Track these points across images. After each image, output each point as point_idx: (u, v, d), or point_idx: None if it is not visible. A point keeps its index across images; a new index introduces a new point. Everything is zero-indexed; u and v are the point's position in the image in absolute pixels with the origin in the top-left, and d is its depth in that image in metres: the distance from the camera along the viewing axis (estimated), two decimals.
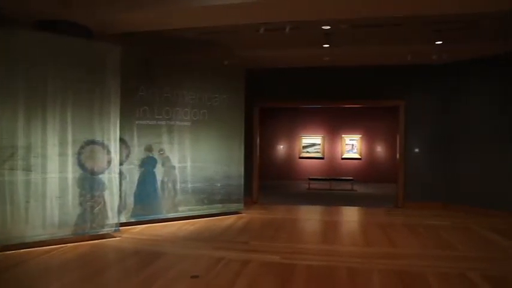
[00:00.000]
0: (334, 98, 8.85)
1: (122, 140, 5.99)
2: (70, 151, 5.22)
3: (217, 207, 7.24)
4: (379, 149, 13.71)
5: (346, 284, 3.98)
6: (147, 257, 4.76)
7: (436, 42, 6.46)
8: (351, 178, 12.22)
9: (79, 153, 5.30)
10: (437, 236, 6.01)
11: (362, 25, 5.97)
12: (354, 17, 5.54)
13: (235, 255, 4.85)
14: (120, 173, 5.94)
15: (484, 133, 7.65)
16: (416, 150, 8.49)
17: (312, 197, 10.31)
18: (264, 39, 6.69)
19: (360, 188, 11.98)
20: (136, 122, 6.38)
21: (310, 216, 7.85)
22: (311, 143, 14.01)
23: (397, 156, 8.73)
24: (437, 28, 5.98)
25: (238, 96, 7.52)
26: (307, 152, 14.02)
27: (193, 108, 7.00)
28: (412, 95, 8.46)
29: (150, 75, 6.50)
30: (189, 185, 6.95)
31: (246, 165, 7.75)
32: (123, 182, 6.16)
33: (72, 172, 5.24)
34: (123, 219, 6.09)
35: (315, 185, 12.14)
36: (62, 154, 5.16)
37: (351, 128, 13.83)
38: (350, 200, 9.89)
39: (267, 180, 12.57)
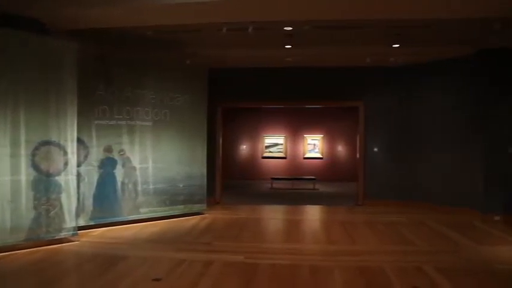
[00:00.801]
0: (296, 98, 8.99)
1: (79, 141, 5.78)
2: (23, 152, 4.96)
3: (179, 208, 7.15)
4: (340, 149, 14.03)
5: (309, 282, 4.04)
6: (107, 261, 4.62)
7: (394, 46, 6.69)
8: (313, 177, 12.42)
9: (33, 155, 5.04)
10: (396, 232, 6.22)
11: (323, 27, 6.08)
12: (315, 18, 5.63)
13: (198, 257, 4.80)
14: (78, 175, 5.73)
15: (438, 133, 8.01)
16: (376, 149, 8.76)
17: (274, 197, 10.39)
18: (226, 39, 6.66)
19: (322, 187, 12.20)
20: (95, 122, 6.17)
21: (273, 216, 7.92)
22: (274, 142, 14.13)
23: (357, 155, 8.98)
24: (395, 32, 6.20)
25: (200, 96, 7.46)
26: (270, 151, 14.12)
27: (155, 108, 6.87)
28: (371, 96, 8.72)
29: (109, 74, 6.31)
30: (151, 186, 6.81)
31: (208, 165, 7.70)
32: (81, 184, 5.94)
33: (25, 174, 4.97)
34: (82, 223, 5.88)
35: (277, 184, 12.24)
36: (14, 155, 4.88)
37: (312, 128, 14.07)
38: (312, 198, 10.06)
39: (230, 180, 12.53)
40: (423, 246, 5.46)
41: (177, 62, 7.42)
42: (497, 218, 7.04)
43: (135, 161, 6.62)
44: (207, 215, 7.43)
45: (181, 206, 7.18)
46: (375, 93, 8.73)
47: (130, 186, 6.56)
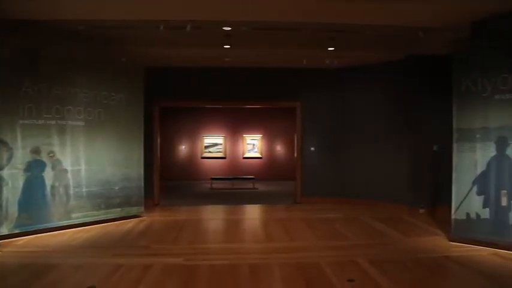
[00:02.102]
0: (235, 98, 9.02)
1: (1, 142, 5.35)
2: None
3: (115, 212, 6.88)
4: (279, 148, 14.31)
5: (249, 281, 4.08)
6: (35, 271, 4.29)
7: (329, 49, 6.95)
8: (252, 177, 12.54)
9: None
10: (331, 228, 6.48)
11: (261, 28, 6.16)
12: (253, 19, 5.69)
13: (136, 261, 4.65)
14: (1, 179, 5.30)
15: (371, 133, 8.47)
16: (312, 149, 9.05)
17: (214, 197, 10.35)
18: (164, 37, 6.52)
19: (261, 186, 12.36)
20: (20, 122, 5.73)
21: (213, 216, 7.89)
22: (213, 142, 14.07)
23: (295, 154, 9.22)
24: (330, 35, 6.44)
25: (137, 95, 7.23)
26: (209, 151, 14.05)
27: (88, 107, 6.54)
28: (308, 97, 8.99)
29: (36, 69, 5.90)
30: (84, 189, 6.48)
31: (146, 166, 7.49)
32: (4, 189, 5.50)
33: None
34: (5, 231, 5.45)
35: (217, 184, 12.21)
36: None
37: (252, 127, 14.21)
38: (252, 198, 10.15)
39: (169, 181, 12.29)
40: (357, 241, 5.74)
41: (112, 59, 7.11)
42: (422, 211, 7.61)
43: (67, 163, 6.26)
44: (145, 217, 7.22)
45: (118, 209, 6.91)
46: (311, 94, 9.01)
47: (61, 189, 6.19)
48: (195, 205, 8.89)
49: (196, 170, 14.00)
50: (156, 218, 7.29)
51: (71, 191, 6.31)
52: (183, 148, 14.05)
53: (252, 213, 8.36)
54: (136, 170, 7.22)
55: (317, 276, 4.18)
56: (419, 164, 7.71)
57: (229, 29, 6.14)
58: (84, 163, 6.48)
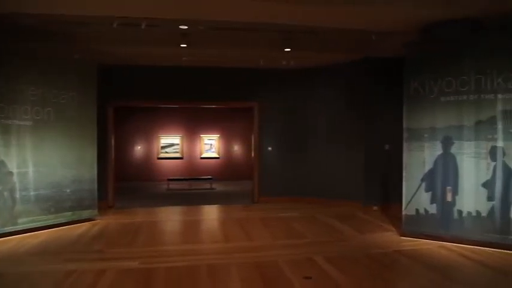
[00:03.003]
0: (192, 98, 8.91)
1: None
2: None
3: (66, 216, 6.59)
4: (237, 148, 14.32)
5: (207, 282, 4.04)
6: None
7: (285, 50, 7.04)
8: (210, 177, 12.47)
9: None
10: (289, 227, 6.57)
11: (219, 27, 6.14)
12: (209, 19, 5.66)
13: (89, 266, 4.48)
14: None
15: (327, 132, 8.68)
16: (269, 148, 9.13)
17: (171, 198, 10.19)
18: (118, 35, 6.33)
19: (219, 187, 12.31)
20: None
21: (170, 217, 7.75)
22: (170, 143, 13.85)
23: (253, 154, 9.26)
24: (287, 36, 6.53)
25: (89, 94, 6.96)
26: (166, 152, 13.81)
27: (36, 106, 6.22)
28: (266, 97, 9.06)
29: None
30: (32, 193, 6.15)
31: (99, 167, 7.24)
32: None
33: None
34: None
35: (174, 185, 12.03)
36: None
37: (209, 127, 14.12)
38: (209, 198, 10.09)
39: (124, 182, 11.96)
40: (313, 238, 5.85)
41: (63, 55, 6.77)
42: (375, 208, 7.89)
43: (12, 165, 5.91)
44: (98, 220, 6.97)
45: (69, 213, 6.63)
46: (269, 94, 9.08)
47: (5, 194, 5.83)
48: (151, 207, 8.71)
49: (152, 170, 13.71)
50: (110, 221, 7.07)
51: (17, 195, 5.97)
52: (138, 148, 13.71)
53: (210, 213, 8.30)
54: (89, 171, 6.95)
55: (275, 275, 4.22)
56: (372, 163, 8.00)
57: (186, 27, 6.06)
58: (32, 165, 6.15)
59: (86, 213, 6.89)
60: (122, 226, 6.65)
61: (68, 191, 6.61)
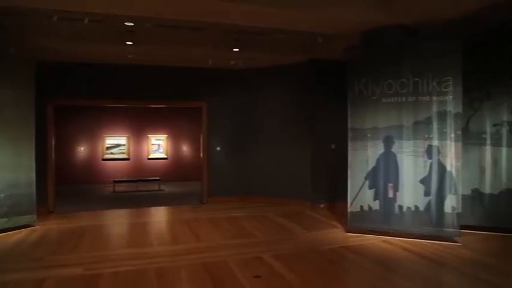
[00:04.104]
0: (139, 97, 8.66)
1: None
2: None
3: (1, 222, 6.15)
4: (185, 149, 14.12)
5: (155, 285, 3.95)
6: None
7: (234, 50, 7.05)
8: (157, 178, 12.20)
9: None
10: (238, 226, 6.59)
11: (166, 25, 6.02)
12: (156, 16, 5.53)
13: (27, 276, 4.22)
14: None
15: (276, 132, 8.79)
16: (218, 148, 9.10)
17: (117, 200, 9.84)
18: (59, 29, 6.01)
19: (167, 188, 12.08)
20: None
21: (116, 221, 7.49)
22: (115, 143, 13.37)
23: (201, 154, 9.18)
24: (235, 37, 6.55)
25: (27, 91, 6.52)
26: (112, 153, 13.32)
27: None
28: (214, 97, 9.02)
29: None
30: None
31: (38, 170, 6.82)
32: None
33: None
34: None
35: (120, 187, 11.64)
36: None
37: (157, 128, 13.80)
38: (157, 200, 9.87)
39: (66, 185, 11.39)
40: (262, 237, 5.91)
41: None
42: (322, 206, 8.12)
43: None
44: (37, 226, 6.58)
45: (4, 220, 6.18)
46: (218, 94, 9.05)
47: None
48: (96, 210, 8.35)
49: (97, 172, 13.17)
50: (51, 226, 6.70)
51: None
52: (82, 150, 13.11)
53: (158, 215, 8.12)
54: (26, 174, 6.53)
55: (224, 275, 4.22)
56: (319, 162, 8.22)
57: (132, 24, 5.90)
58: None
59: (23, 220, 6.46)
60: (64, 231, 6.33)
61: (2, 196, 6.17)
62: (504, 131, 5.90)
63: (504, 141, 5.90)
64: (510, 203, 5.86)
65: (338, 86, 7.25)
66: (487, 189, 6.00)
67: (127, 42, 6.44)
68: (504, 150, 5.90)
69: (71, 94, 8.15)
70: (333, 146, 8.18)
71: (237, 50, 7.04)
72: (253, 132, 9.06)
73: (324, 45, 6.75)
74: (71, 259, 4.86)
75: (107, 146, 13.28)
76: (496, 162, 5.95)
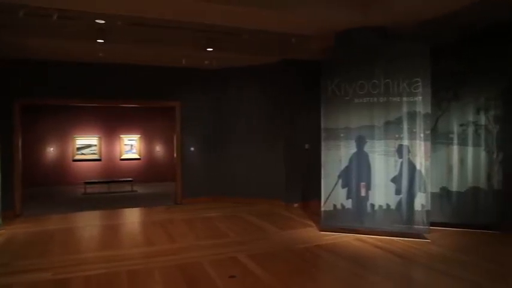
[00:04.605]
0: (111, 96, 8.47)
1: None
2: None
3: None
4: (159, 149, 13.93)
5: None
6: None
7: (208, 49, 7.01)
8: (130, 179, 11.99)
9: None
10: (212, 227, 6.55)
11: (139, 24, 5.93)
12: (127, 14, 5.43)
13: None
14: None
15: (250, 132, 8.80)
16: (192, 149, 9.03)
17: (89, 202, 9.61)
18: (26, 25, 5.81)
19: (140, 189, 11.89)
20: None
21: (87, 223, 7.30)
22: (86, 144, 13.04)
23: (175, 155, 9.08)
24: (209, 36, 6.51)
25: None
26: (82, 153, 12.99)
27: None
28: (188, 96, 8.94)
29: None
30: None
31: (4, 172, 6.59)
32: None
33: None
34: None
35: (92, 188, 11.36)
36: None
37: (129, 127, 13.56)
38: (130, 201, 9.70)
39: (34, 187, 11.04)
40: (236, 237, 5.91)
41: None
42: (296, 205, 8.19)
43: None
44: (3, 231, 6.35)
45: None
46: (191, 94, 8.98)
47: None
48: (66, 213, 8.12)
49: (67, 174, 12.80)
50: (17, 230, 6.47)
51: None
52: (51, 150, 12.72)
53: (131, 216, 7.98)
54: None
55: (199, 276, 4.19)
56: (293, 162, 8.28)
57: (103, 22, 5.77)
58: None
59: None
60: (32, 235, 6.13)
61: None
62: (470, 131, 6.11)
63: (470, 141, 6.12)
64: (475, 200, 6.09)
65: (312, 86, 7.32)
66: (454, 187, 6.20)
67: (98, 40, 6.29)
68: (470, 149, 6.11)
69: (40, 93, 7.87)
70: (306, 146, 8.26)
71: (211, 49, 7.00)
72: (227, 133, 9.03)
73: (298, 45, 6.81)
74: (39, 264, 4.70)
75: (78, 146, 12.94)
76: (462, 161, 6.16)
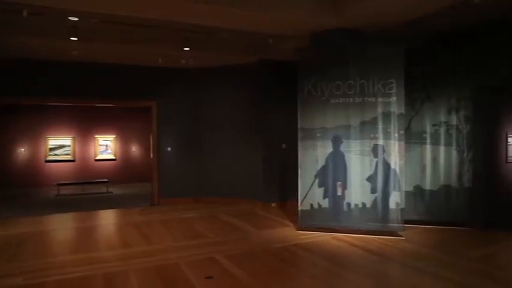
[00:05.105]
0: (85, 96, 8.29)
1: None
2: None
3: None
4: (134, 149, 13.73)
5: None
6: None
7: (184, 49, 6.95)
8: (105, 180, 11.76)
9: None
10: (190, 228, 6.51)
11: (114, 22, 5.82)
12: (104, 12, 5.32)
13: None
14: None
15: (227, 132, 8.77)
16: (169, 149, 8.94)
17: (62, 204, 9.37)
18: None
19: (116, 190, 11.68)
20: None
21: (60, 226, 7.12)
22: (60, 144, 12.72)
23: (151, 155, 8.97)
24: (185, 36, 6.45)
25: None
26: (55, 154, 12.66)
27: None
28: (165, 96, 8.85)
29: None
30: None
31: None
32: None
33: None
34: None
35: (66, 190, 11.09)
36: None
37: (104, 127, 13.30)
38: (106, 202, 9.52)
39: (5, 189, 10.68)
40: (214, 238, 5.88)
41: None
42: (273, 205, 8.22)
43: None
44: None
45: None
46: (168, 94, 8.89)
47: None
48: (38, 215, 7.89)
49: (40, 175, 12.44)
50: None
51: None
52: (22, 151, 12.34)
53: (106, 218, 7.83)
54: None
55: (176, 277, 4.15)
56: (270, 162, 8.31)
57: (77, 19, 5.64)
58: None
59: None
60: (2, 239, 5.93)
61: None
62: (442, 130, 6.30)
63: (442, 141, 6.30)
64: (447, 198, 6.27)
65: (289, 87, 7.36)
66: (428, 186, 6.37)
67: (71, 38, 6.14)
68: (442, 149, 6.29)
69: (10, 92, 7.62)
70: (283, 146, 8.30)
71: (188, 49, 6.95)
72: (204, 132, 8.98)
73: (275, 46, 6.84)
74: (9, 269, 4.56)
75: (50, 147, 12.60)
76: (435, 160, 6.33)
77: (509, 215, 5.91)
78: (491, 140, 6.16)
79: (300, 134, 6.10)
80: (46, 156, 12.54)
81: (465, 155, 6.20)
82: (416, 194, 6.41)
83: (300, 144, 6.11)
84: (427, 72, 6.33)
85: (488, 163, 6.15)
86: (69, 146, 12.80)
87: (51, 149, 12.60)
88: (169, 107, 8.88)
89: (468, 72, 6.15)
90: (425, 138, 6.38)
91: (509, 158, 6.10)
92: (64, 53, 7.30)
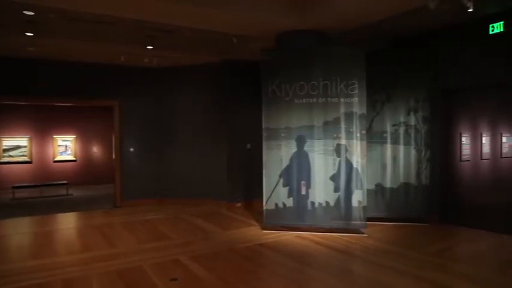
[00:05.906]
0: (43, 94, 7.94)
1: None
2: None
3: None
4: (96, 150, 13.33)
5: None
6: None
7: (148, 47, 6.82)
8: (65, 182, 11.35)
9: None
10: (154, 230, 6.39)
11: (73, 17, 5.61)
12: (63, 7, 5.12)
13: None
14: None
15: (191, 132, 8.69)
16: (132, 149, 8.74)
17: (18, 208, 8.95)
18: None
19: (76, 192, 11.30)
20: None
21: (15, 231, 6.79)
22: (15, 145, 12.14)
23: (113, 156, 8.74)
24: (150, 34, 6.32)
25: None
26: (10, 156, 12.07)
27: None
28: (127, 95, 8.64)
29: None
30: None
31: None
32: None
33: None
34: None
35: (21, 193, 10.60)
36: None
37: (64, 127, 12.82)
38: (65, 205, 9.18)
39: None
40: (178, 239, 5.81)
41: None
42: (238, 205, 8.22)
43: None
44: None
45: None
46: (131, 93, 8.69)
47: None
48: None
49: None
50: None
51: None
52: None
53: (66, 222, 7.55)
54: None
55: (139, 281, 4.07)
56: (235, 162, 8.30)
57: (32, 14, 5.39)
58: None
59: None
60: None
61: None
62: (401, 130, 6.52)
63: (401, 140, 6.52)
64: (407, 195, 6.50)
65: (254, 87, 7.37)
66: (388, 184, 6.58)
67: (27, 33, 5.87)
68: (401, 148, 6.52)
69: None
70: (248, 146, 8.32)
71: (151, 47, 6.82)
72: (168, 133, 8.86)
73: (240, 46, 6.83)
74: None
75: (4, 148, 12.01)
76: (395, 159, 6.55)
77: (461, 211, 6.21)
78: (446, 139, 6.46)
79: (264, 134, 6.13)
80: (0, 158, 11.94)
81: (423, 154, 6.45)
82: (378, 192, 6.61)
83: (264, 144, 6.14)
84: (387, 74, 6.54)
85: (444, 161, 6.44)
86: (25, 146, 12.24)
87: (6, 150, 12.00)
88: (133, 106, 8.69)
89: (425, 74, 6.40)
90: (386, 138, 6.58)
91: (463, 157, 6.41)
92: (19, 49, 6.97)
